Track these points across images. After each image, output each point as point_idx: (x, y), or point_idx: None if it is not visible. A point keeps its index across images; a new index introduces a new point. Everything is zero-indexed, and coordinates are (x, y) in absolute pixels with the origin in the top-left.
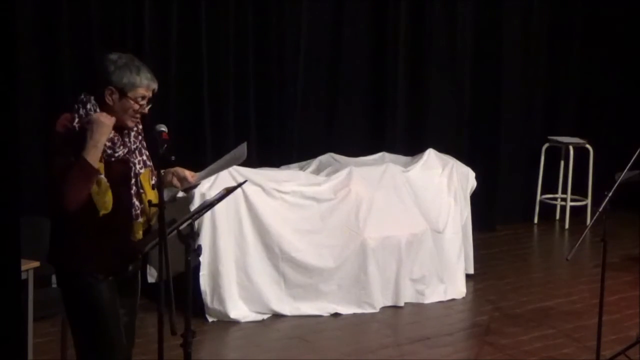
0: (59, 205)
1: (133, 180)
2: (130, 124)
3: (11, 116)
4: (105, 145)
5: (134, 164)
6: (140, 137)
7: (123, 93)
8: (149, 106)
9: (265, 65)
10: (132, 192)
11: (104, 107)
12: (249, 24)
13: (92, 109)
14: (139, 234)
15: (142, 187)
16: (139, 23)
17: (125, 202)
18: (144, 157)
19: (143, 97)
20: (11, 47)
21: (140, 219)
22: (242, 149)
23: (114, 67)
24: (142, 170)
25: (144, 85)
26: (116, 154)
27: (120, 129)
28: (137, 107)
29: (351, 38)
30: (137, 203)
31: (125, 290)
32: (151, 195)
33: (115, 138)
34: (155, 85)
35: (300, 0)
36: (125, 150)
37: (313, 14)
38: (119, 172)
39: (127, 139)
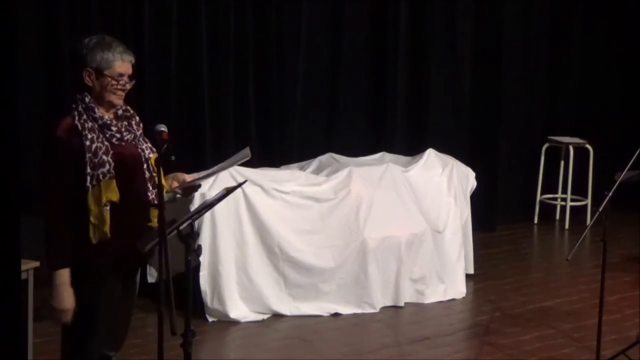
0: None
1: (145, 165)
2: (116, 100)
3: (11, 116)
4: (112, 130)
5: (143, 150)
6: (141, 125)
7: (99, 72)
8: (133, 82)
9: (265, 65)
10: (146, 177)
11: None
12: (249, 24)
13: (91, 103)
14: (155, 219)
15: (154, 171)
16: (139, 24)
17: (141, 188)
18: (149, 144)
19: (121, 75)
20: (11, 47)
21: None
22: (246, 152)
23: (86, 49)
24: (150, 155)
25: (118, 59)
26: (125, 139)
27: (116, 116)
28: (115, 83)
29: (351, 38)
30: (151, 187)
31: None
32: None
33: (119, 124)
34: (130, 58)
35: (300, 1)
36: (132, 136)
37: (313, 14)
38: (132, 156)
39: (130, 128)
